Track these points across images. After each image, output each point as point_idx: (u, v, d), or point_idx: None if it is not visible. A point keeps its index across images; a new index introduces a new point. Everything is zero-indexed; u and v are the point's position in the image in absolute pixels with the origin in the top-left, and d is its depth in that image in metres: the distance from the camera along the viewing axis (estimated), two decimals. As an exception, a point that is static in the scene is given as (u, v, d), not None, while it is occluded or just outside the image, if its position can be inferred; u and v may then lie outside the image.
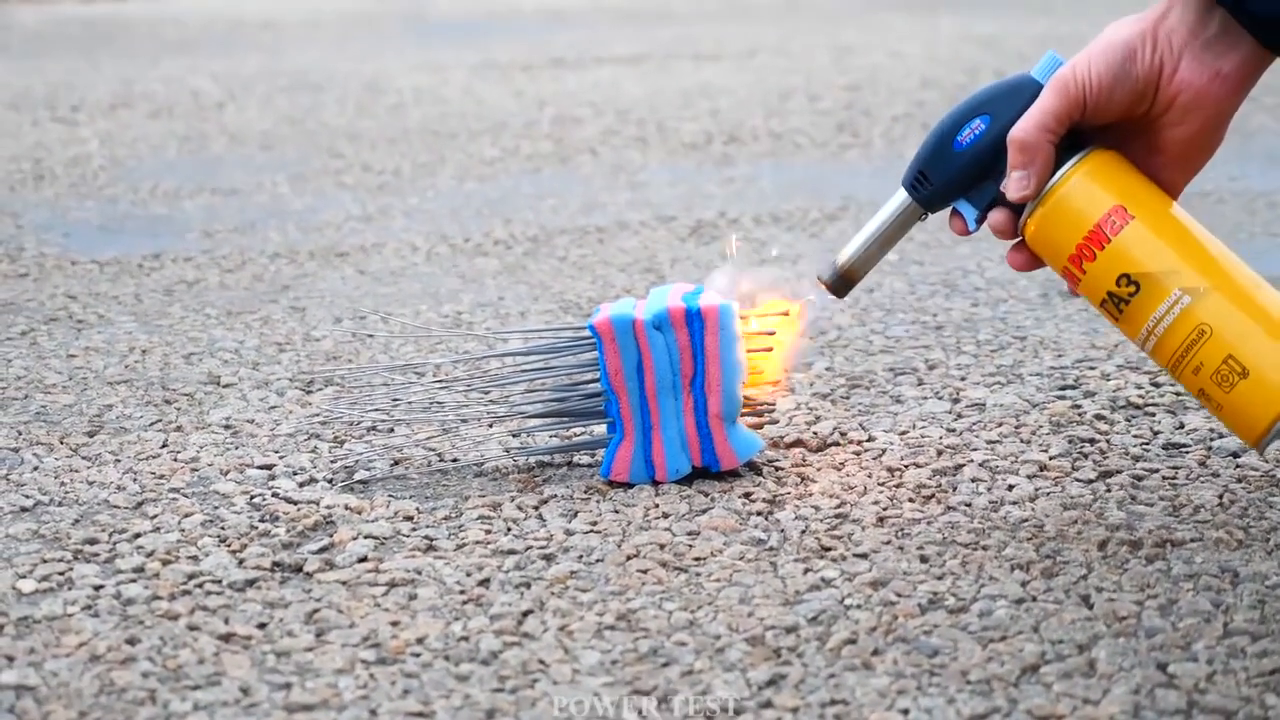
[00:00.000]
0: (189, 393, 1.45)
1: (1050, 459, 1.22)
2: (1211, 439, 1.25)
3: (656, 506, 1.15)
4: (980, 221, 1.08)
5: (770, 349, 1.23)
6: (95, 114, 3.11)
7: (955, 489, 1.17)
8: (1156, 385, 1.40)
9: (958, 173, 1.08)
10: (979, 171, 1.07)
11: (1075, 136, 1.04)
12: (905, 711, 0.88)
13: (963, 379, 1.44)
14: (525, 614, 1.00)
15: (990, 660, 0.93)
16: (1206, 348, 1.01)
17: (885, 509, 1.14)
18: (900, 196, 1.11)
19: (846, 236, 1.17)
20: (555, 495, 1.18)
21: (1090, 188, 1.04)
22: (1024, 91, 1.05)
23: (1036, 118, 1.03)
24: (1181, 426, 1.29)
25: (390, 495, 1.19)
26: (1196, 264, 1.02)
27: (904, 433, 1.30)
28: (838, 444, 1.27)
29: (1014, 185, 1.04)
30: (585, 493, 1.18)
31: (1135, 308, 1.03)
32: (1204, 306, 1.01)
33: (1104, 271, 1.03)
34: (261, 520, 1.15)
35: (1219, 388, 1.01)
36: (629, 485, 1.19)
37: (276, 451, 1.29)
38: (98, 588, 1.04)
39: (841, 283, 1.14)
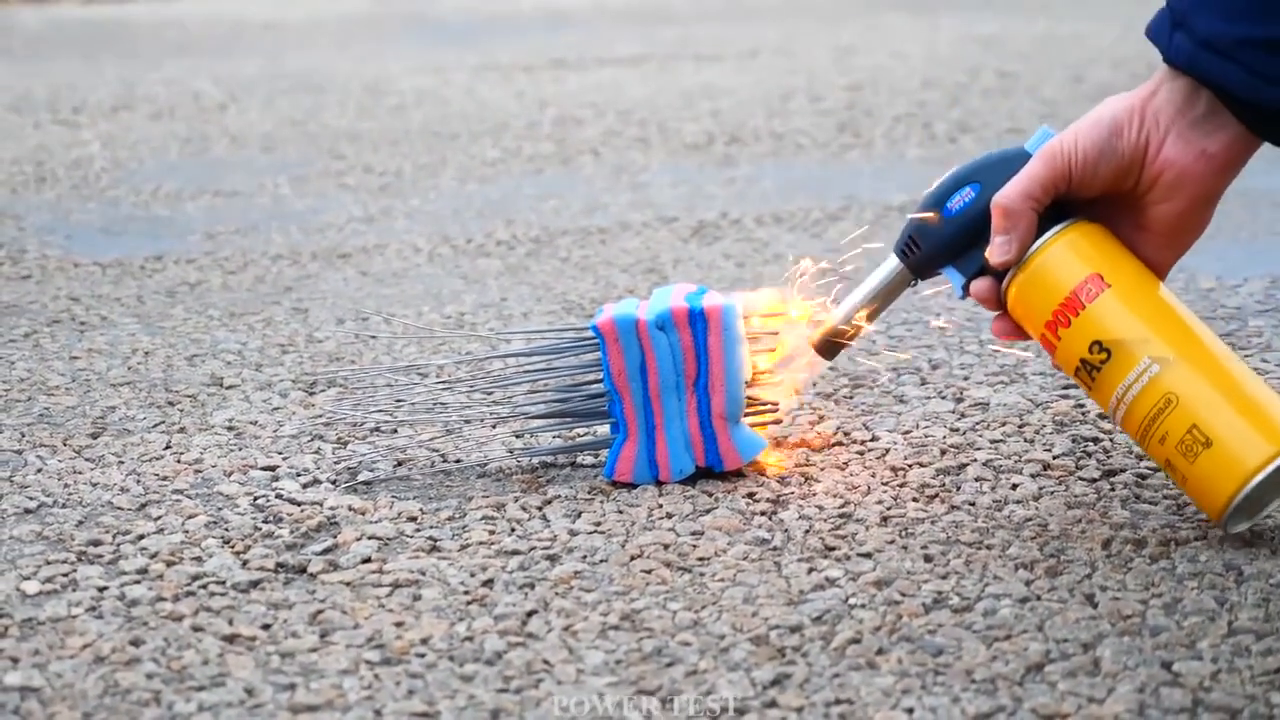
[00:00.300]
0: (192, 394, 1.45)
1: (1054, 458, 1.22)
2: (1215, 438, 1.25)
3: (660, 507, 1.15)
4: (966, 289, 1.09)
5: (774, 349, 1.23)
6: (97, 116, 3.12)
7: (959, 488, 1.17)
8: (1160, 384, 1.40)
9: (946, 239, 1.10)
10: (967, 239, 1.09)
11: (1061, 209, 1.06)
12: (910, 710, 0.88)
13: (966, 378, 1.44)
14: (529, 614, 1.00)
15: (995, 659, 0.93)
16: (1173, 417, 1.01)
17: (889, 508, 1.14)
18: (891, 263, 1.13)
19: (840, 295, 1.17)
20: (559, 496, 1.18)
21: (1069, 256, 1.05)
22: (1015, 162, 1.07)
23: (1021, 185, 1.05)
24: (1185, 425, 1.29)
25: (394, 496, 1.19)
26: (1168, 334, 1.03)
27: (907, 432, 1.30)
28: (841, 444, 1.27)
29: (996, 249, 1.06)
30: (589, 493, 1.18)
31: (1106, 375, 1.04)
32: (1172, 375, 1.02)
33: (1078, 338, 1.04)
34: (265, 521, 1.15)
35: (1183, 458, 1.01)
36: (632, 485, 1.19)
37: (280, 453, 1.29)
38: (102, 589, 1.04)
39: (829, 346, 1.16)
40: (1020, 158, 1.07)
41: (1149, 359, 1.02)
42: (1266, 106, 1.00)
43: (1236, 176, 1.05)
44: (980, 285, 1.08)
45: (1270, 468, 0.99)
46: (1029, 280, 1.06)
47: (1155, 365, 1.02)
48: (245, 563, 1.08)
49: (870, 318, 1.15)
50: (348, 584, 1.04)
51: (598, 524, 1.13)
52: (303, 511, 1.16)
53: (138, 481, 1.23)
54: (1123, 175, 1.04)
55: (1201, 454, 1.00)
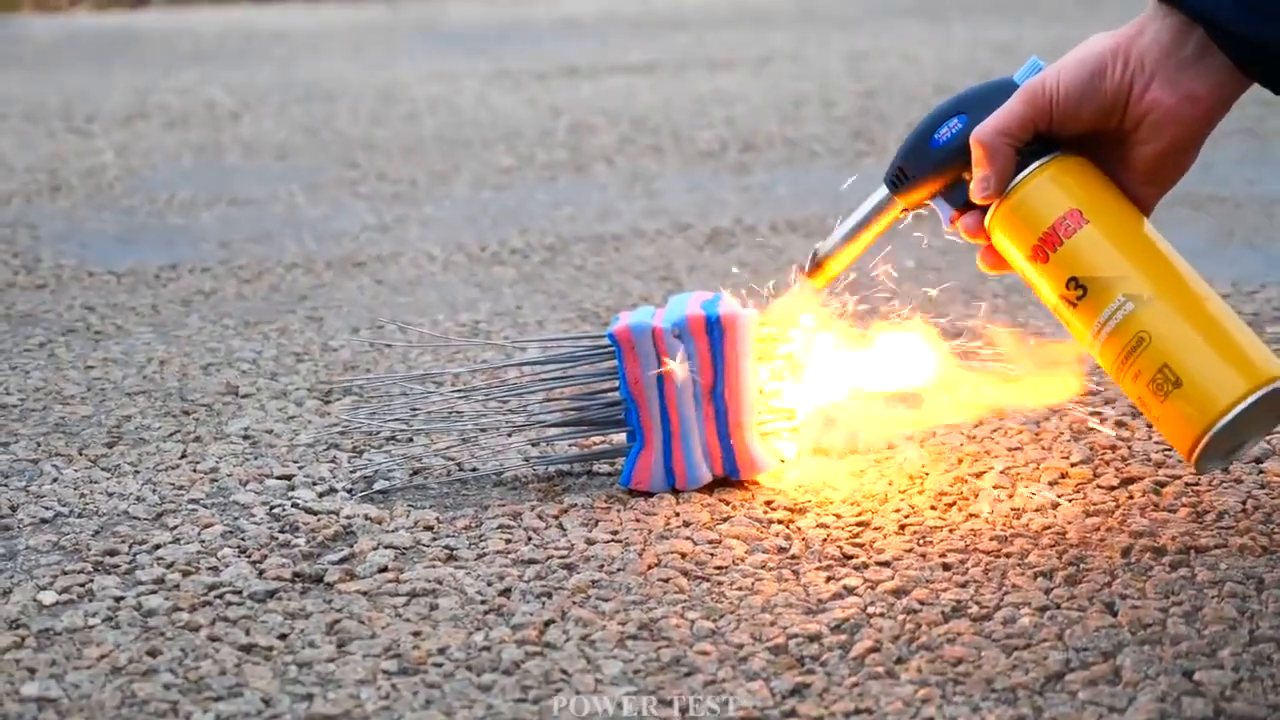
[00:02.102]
0: (207, 403, 1.45)
1: (1071, 466, 1.22)
2: (1234, 445, 1.25)
3: (677, 515, 1.15)
4: (953, 221, 1.09)
5: (789, 355, 1.23)
6: (110, 125, 3.12)
7: (976, 496, 1.17)
8: (1177, 391, 1.39)
9: (933, 169, 1.09)
10: (954, 170, 1.09)
11: (1046, 141, 1.05)
12: (930, 720, 0.88)
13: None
14: (547, 624, 0.99)
15: (1015, 668, 0.92)
16: (1145, 355, 1.00)
17: (906, 516, 1.14)
18: (880, 192, 1.14)
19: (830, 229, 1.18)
20: (575, 504, 1.17)
21: (1050, 190, 1.04)
22: (1003, 94, 1.06)
23: (998, 121, 1.04)
24: (1203, 432, 1.28)
25: (410, 505, 1.19)
26: (1145, 272, 1.02)
27: (924, 440, 1.29)
28: (857, 451, 1.27)
29: (976, 186, 1.06)
30: (606, 501, 1.18)
31: (1082, 312, 1.03)
32: (1146, 313, 1.01)
33: (1055, 274, 1.04)
34: (281, 531, 1.14)
35: (1154, 396, 1.00)
36: (649, 494, 1.19)
37: (295, 462, 1.29)
38: (118, 599, 1.04)
39: (818, 271, 1.17)
40: (1007, 89, 1.06)
41: (1123, 296, 1.01)
42: (1255, 40, 0.99)
43: (1222, 119, 1.03)
44: (967, 219, 1.08)
45: (1236, 410, 0.98)
46: (1009, 214, 1.05)
47: (1130, 303, 1.01)
48: (262, 572, 1.07)
49: (858, 244, 1.15)
50: (365, 593, 1.04)
51: (615, 533, 1.12)
52: (319, 521, 1.16)
53: (154, 491, 1.23)
54: (1106, 115, 1.03)
55: (1172, 393, 0.99)
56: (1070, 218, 1.03)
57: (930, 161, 1.09)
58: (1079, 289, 1.03)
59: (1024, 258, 1.05)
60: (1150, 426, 1.30)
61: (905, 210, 1.13)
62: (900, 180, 1.11)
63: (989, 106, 1.06)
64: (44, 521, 1.18)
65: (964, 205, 1.08)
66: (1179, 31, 1.01)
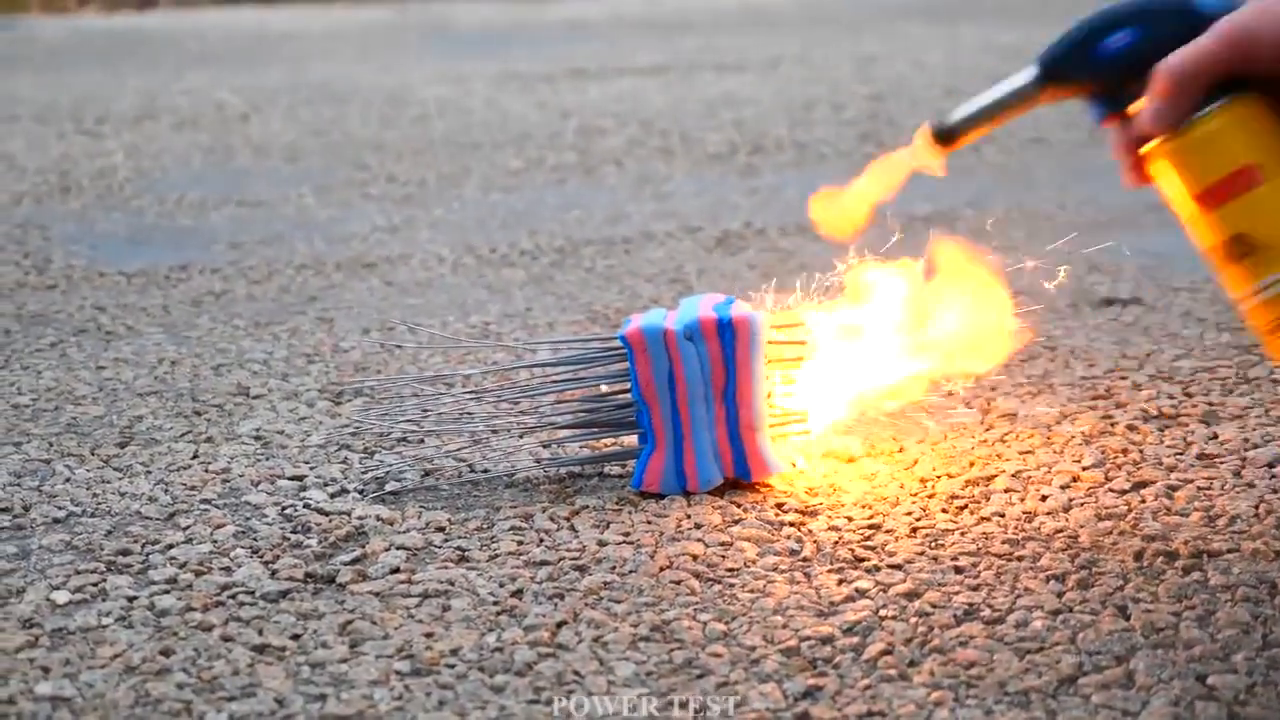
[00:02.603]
0: (218, 404, 1.45)
1: (1083, 469, 1.22)
2: (1245, 449, 1.25)
3: (689, 517, 1.15)
4: (1102, 123, 1.03)
5: (800, 359, 1.23)
6: (120, 126, 3.12)
7: (988, 499, 1.17)
8: (1189, 395, 1.39)
9: (1093, 75, 1.02)
10: (1116, 81, 1.01)
11: (1229, 79, 0.97)
12: (943, 723, 0.88)
13: (993, 389, 1.44)
14: (559, 625, 0.99)
15: (1027, 671, 0.92)
16: None
17: (918, 519, 1.14)
18: (1030, 73, 1.05)
19: (964, 101, 1.13)
20: (587, 506, 1.18)
21: (1231, 137, 0.97)
22: (1184, 16, 0.98)
23: (1194, 57, 0.96)
24: (1215, 437, 1.28)
25: (422, 506, 1.19)
26: None
27: (935, 443, 1.29)
28: (869, 454, 1.27)
29: (1150, 116, 0.98)
30: (617, 503, 1.18)
31: (1244, 269, 0.97)
32: None
33: (1220, 226, 0.97)
34: (293, 531, 1.15)
35: None
36: (661, 496, 1.19)
37: (307, 462, 1.29)
38: (131, 599, 1.04)
39: (946, 137, 1.11)
40: (1190, 12, 0.98)
41: None
42: None
43: None
44: (1119, 134, 1.00)
45: None
46: (1179, 151, 0.98)
47: None
48: (274, 573, 1.07)
49: (992, 120, 1.08)
50: (377, 594, 1.04)
51: (626, 534, 1.12)
52: (331, 521, 1.16)
53: (166, 491, 1.23)
54: None
55: None
56: (1247, 173, 0.96)
57: (1092, 67, 1.02)
58: (1245, 246, 0.96)
59: (1187, 199, 0.98)
60: (1163, 430, 1.30)
61: (1045, 102, 1.06)
62: (1053, 74, 1.04)
63: (1167, 26, 0.98)
64: (57, 521, 1.18)
65: (1116, 114, 1.01)
66: None
